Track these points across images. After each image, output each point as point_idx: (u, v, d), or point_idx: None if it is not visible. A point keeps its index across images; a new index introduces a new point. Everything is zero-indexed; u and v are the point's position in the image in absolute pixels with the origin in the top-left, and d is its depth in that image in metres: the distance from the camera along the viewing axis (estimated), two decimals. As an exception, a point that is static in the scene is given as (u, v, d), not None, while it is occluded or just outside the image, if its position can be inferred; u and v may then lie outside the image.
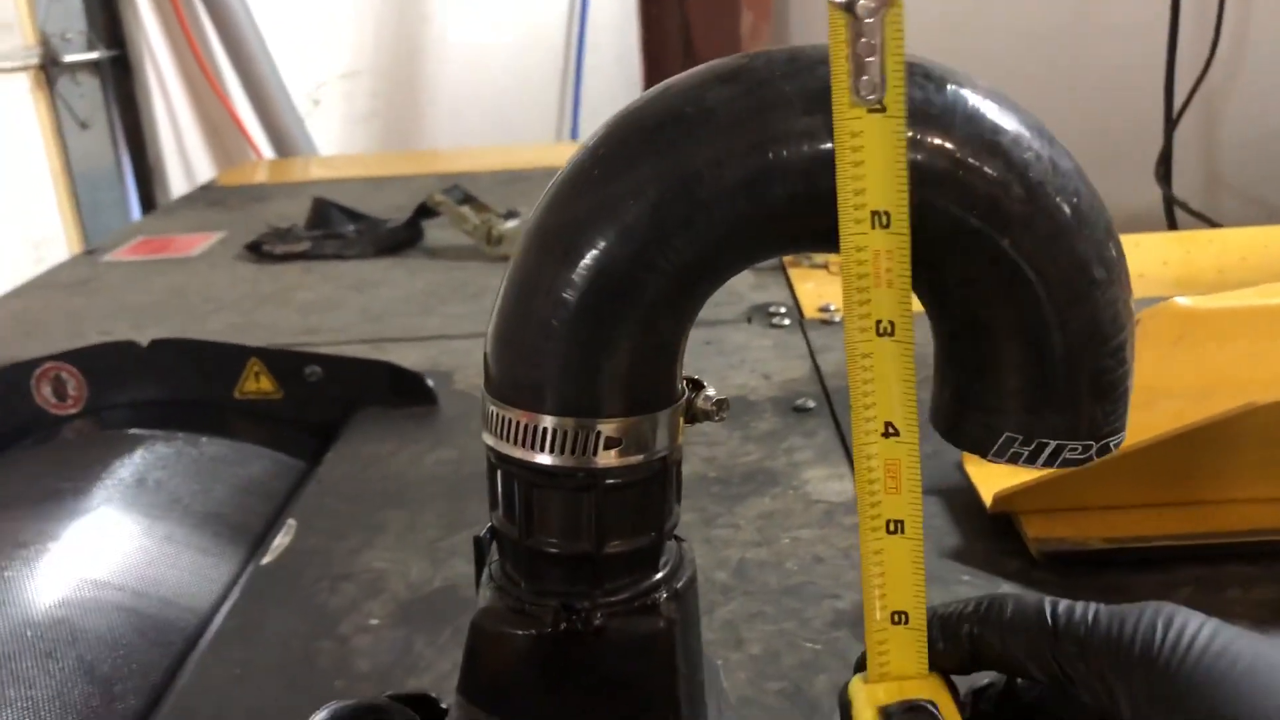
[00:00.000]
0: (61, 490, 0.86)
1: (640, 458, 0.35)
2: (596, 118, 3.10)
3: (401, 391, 1.00)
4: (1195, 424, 0.68)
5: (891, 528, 0.36)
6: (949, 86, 0.32)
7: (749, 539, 0.75)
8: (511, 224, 1.47)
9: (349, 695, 0.61)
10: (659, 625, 0.37)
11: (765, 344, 1.11)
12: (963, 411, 0.38)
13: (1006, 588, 0.68)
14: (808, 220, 0.33)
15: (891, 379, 0.34)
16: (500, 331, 0.35)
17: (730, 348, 1.10)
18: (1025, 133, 0.33)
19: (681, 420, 0.37)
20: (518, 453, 0.35)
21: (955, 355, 0.37)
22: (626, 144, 0.33)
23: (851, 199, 0.31)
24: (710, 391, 0.38)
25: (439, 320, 1.25)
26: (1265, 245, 1.34)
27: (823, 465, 0.85)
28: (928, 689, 0.37)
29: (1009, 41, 3.42)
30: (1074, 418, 0.36)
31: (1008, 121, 0.33)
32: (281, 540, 0.79)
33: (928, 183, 0.32)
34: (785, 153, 0.31)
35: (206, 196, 2.04)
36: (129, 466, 0.90)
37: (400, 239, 1.55)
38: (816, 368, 1.05)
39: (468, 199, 1.53)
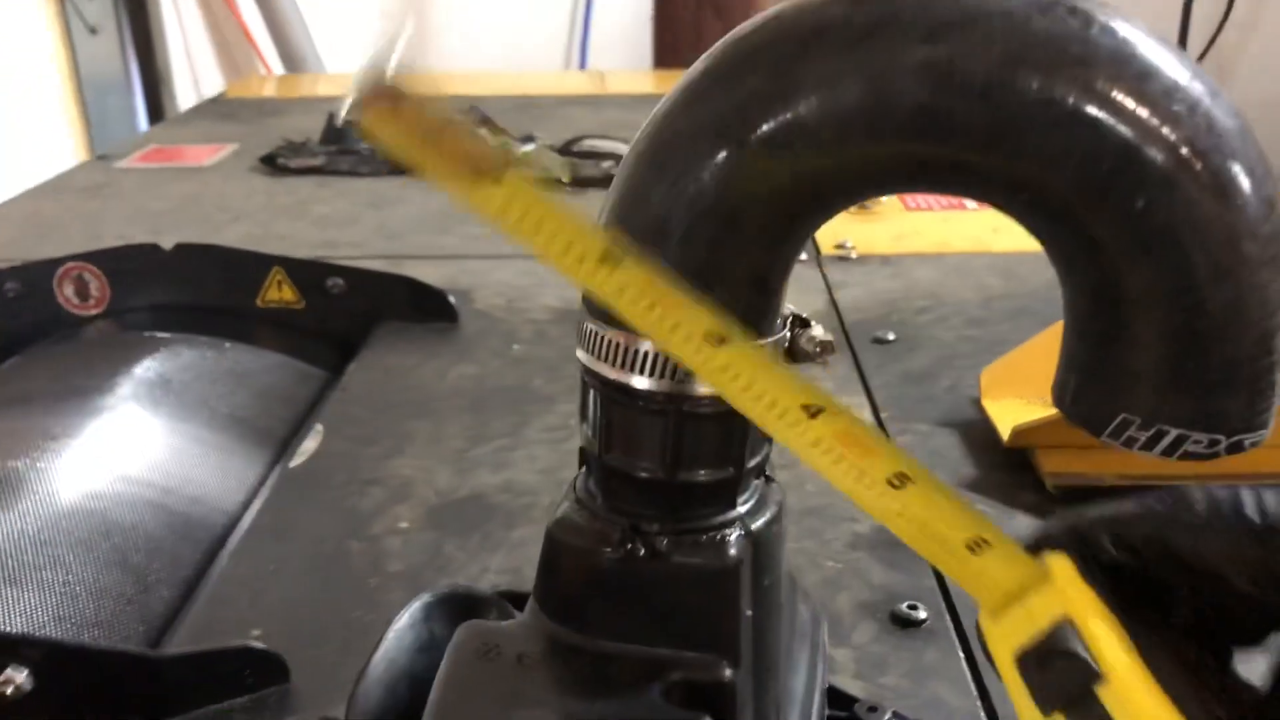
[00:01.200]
0: (86, 388, 0.87)
1: None
2: (605, 47, 3.07)
3: (423, 307, 1.01)
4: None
5: (896, 483, 0.32)
6: (1098, 19, 0.30)
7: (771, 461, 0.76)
8: (527, 148, 1.47)
9: (390, 589, 0.63)
10: (726, 561, 0.36)
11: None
12: (1082, 385, 0.34)
13: (1020, 520, 0.70)
14: (918, 154, 0.31)
15: (760, 371, 0.31)
16: None
17: (748, 279, 1.11)
18: (1180, 83, 0.30)
19: (779, 354, 0.37)
20: (610, 372, 0.35)
21: (1081, 325, 0.34)
22: (735, 60, 0.33)
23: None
24: (815, 331, 0.37)
25: (456, 240, 1.25)
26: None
27: (841, 395, 0.86)
28: (1057, 597, 0.30)
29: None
30: (1204, 407, 0.32)
31: (1162, 67, 0.30)
32: (309, 445, 0.80)
33: (1058, 123, 0.30)
34: (897, 82, 0.30)
35: (217, 109, 2.03)
36: (152, 368, 0.91)
37: (416, 158, 1.55)
38: (833, 302, 1.06)
39: (485, 120, 1.52)
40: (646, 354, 0.34)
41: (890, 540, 0.68)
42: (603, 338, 0.35)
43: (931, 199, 1.39)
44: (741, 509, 0.38)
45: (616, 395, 0.35)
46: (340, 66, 2.75)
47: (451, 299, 1.01)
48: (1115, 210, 0.30)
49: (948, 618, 0.60)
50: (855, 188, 0.33)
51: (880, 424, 0.82)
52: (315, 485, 0.75)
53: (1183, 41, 3.20)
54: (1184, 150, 0.30)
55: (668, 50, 3.55)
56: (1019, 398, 0.82)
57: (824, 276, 1.13)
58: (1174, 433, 0.33)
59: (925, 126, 0.30)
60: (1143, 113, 0.30)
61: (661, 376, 0.34)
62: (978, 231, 1.27)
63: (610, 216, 0.35)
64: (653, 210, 0.33)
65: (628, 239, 0.34)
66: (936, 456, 0.77)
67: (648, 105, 0.36)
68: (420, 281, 1.01)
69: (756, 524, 0.37)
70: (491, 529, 0.69)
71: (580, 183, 1.44)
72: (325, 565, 0.66)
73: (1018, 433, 0.75)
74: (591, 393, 0.37)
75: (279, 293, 1.02)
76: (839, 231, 1.25)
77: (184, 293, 1.03)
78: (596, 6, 3.29)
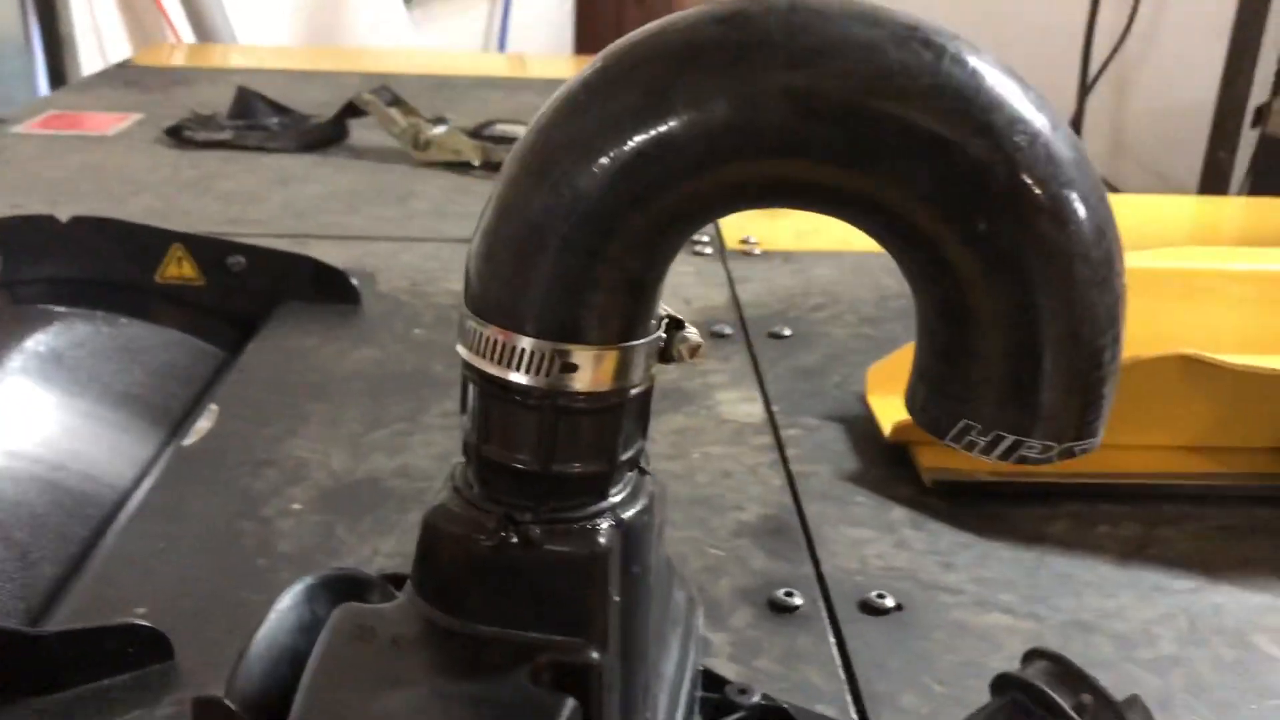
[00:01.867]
0: (-26, 361, 0.85)
1: (605, 387, 0.36)
2: (525, 30, 3.06)
3: (325, 288, 1.01)
4: (1083, 372, 0.73)
5: None
6: (950, 52, 0.32)
7: (662, 452, 0.78)
8: (440, 130, 1.47)
9: (279, 570, 0.63)
10: (595, 549, 0.38)
11: (687, 270, 1.14)
12: (930, 393, 0.37)
13: (898, 511, 0.73)
14: (782, 173, 0.33)
15: None
16: (482, 248, 0.36)
17: (651, 270, 1.13)
18: (1024, 115, 0.32)
19: (654, 356, 0.38)
20: (489, 368, 0.36)
21: (929, 338, 0.37)
22: (612, 75, 0.34)
23: None
24: (689, 333, 0.39)
25: (363, 220, 1.25)
26: (1161, 213, 1.41)
27: (736, 389, 0.89)
28: None
29: (939, -7, 3.46)
30: (1039, 417, 0.35)
31: (1008, 99, 0.32)
32: (203, 424, 0.80)
33: (909, 149, 0.32)
34: (762, 104, 0.32)
35: (122, 75, 1.98)
36: (44, 342, 0.89)
37: (325, 136, 1.54)
38: (735, 296, 1.08)
39: (396, 101, 1.52)
40: (524, 350, 0.36)
41: (773, 528, 0.70)
42: (482, 335, 0.36)
43: (835, 197, 1.42)
44: (614, 499, 0.39)
45: (495, 390, 0.37)
46: (253, 38, 2.71)
47: (354, 281, 1.01)
48: (960, 232, 0.33)
49: (822, 605, 0.63)
50: (723, 201, 0.35)
51: (771, 417, 0.84)
52: (208, 465, 0.75)
53: (1087, 53, 3.30)
54: (1024, 177, 0.32)
55: (589, 37, 3.55)
56: (902, 394, 0.85)
57: (727, 271, 1.15)
58: (1010, 439, 0.36)
59: (787, 147, 0.33)
60: (986, 142, 0.32)
61: (538, 373, 0.36)
62: (877, 231, 1.30)
63: (490, 222, 0.36)
64: (532, 218, 0.35)
65: (505, 244, 0.35)
66: (822, 450, 0.80)
67: (566, 90, 0.37)
68: (323, 262, 1.01)
69: (628, 514, 0.39)
70: (385, 513, 0.70)
71: (491, 167, 1.45)
72: (215, 545, 0.66)
73: (898, 429, 0.78)
74: (471, 387, 0.38)
75: (179, 269, 1.01)
76: (744, 227, 1.27)
77: (80, 266, 1.01)
78: (517, -12, 3.28)
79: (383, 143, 1.51)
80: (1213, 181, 3.03)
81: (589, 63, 0.35)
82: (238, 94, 1.61)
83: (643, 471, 0.42)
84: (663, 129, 0.33)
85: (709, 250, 1.20)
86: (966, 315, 0.34)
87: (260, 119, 1.58)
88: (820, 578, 0.65)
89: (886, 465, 0.78)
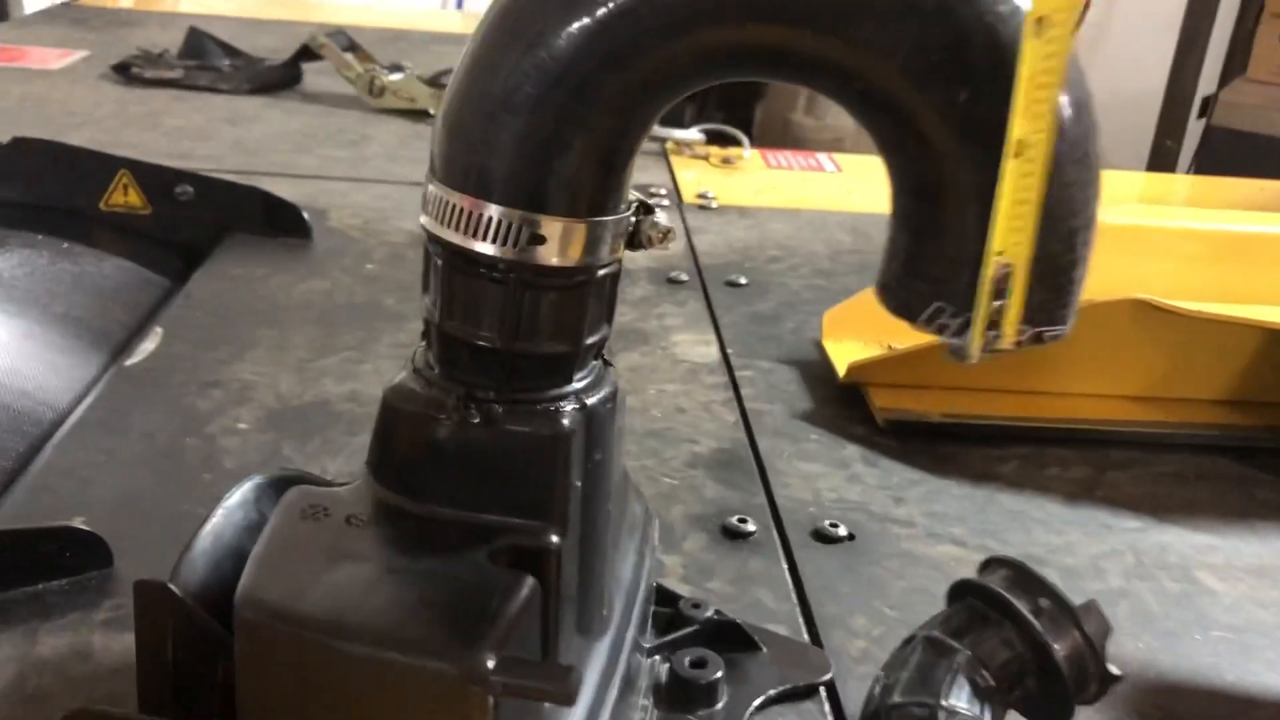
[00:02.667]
0: (-93, 279, 0.83)
1: (572, 262, 0.35)
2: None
3: (275, 221, 0.99)
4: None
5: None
6: None
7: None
8: (396, 76, 1.45)
9: (224, 485, 0.62)
10: (558, 430, 0.37)
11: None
12: (902, 275, 0.37)
13: (851, 449, 0.73)
14: (759, 38, 0.32)
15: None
16: (451, 111, 0.35)
17: (608, 218, 1.12)
18: None
19: (622, 236, 0.37)
20: (454, 237, 0.35)
21: (904, 217, 0.36)
22: None
23: None
24: (658, 218, 0.38)
25: (315, 160, 1.23)
26: (1113, 187, 1.42)
27: (691, 331, 0.88)
28: None
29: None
30: None
31: None
32: (147, 345, 0.78)
33: (889, 13, 0.31)
34: None
35: (67, 14, 1.93)
36: (-19, 263, 0.87)
37: (278, 78, 1.51)
38: (691, 246, 1.08)
39: (352, 46, 1.49)
40: (491, 219, 0.35)
41: (725, 460, 0.70)
42: (447, 202, 0.35)
43: (793, 158, 1.42)
44: (578, 384, 0.38)
45: (459, 262, 0.36)
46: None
47: (305, 215, 0.99)
48: (939, 101, 0.32)
49: (774, 532, 0.63)
50: (698, 68, 0.34)
51: (726, 359, 0.84)
52: (152, 384, 0.73)
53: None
54: (1006, 47, 0.32)
55: None
56: (857, 339, 0.85)
57: (684, 221, 1.15)
58: None
59: (765, 9, 0.32)
60: (969, 10, 0.32)
61: (505, 243, 0.35)
62: (834, 192, 1.30)
63: (460, 84, 0.35)
64: (503, 78, 0.34)
65: (475, 106, 0.34)
66: (776, 390, 0.80)
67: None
68: (273, 195, 0.99)
69: (591, 399, 0.38)
70: (333, 435, 0.69)
71: (447, 116, 1.42)
72: (157, 460, 0.65)
73: (853, 369, 0.78)
74: (434, 260, 0.37)
75: (124, 197, 0.99)
76: (701, 181, 1.27)
77: (21, 190, 0.98)
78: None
79: (337, 89, 1.49)
80: (1160, 168, 3.08)
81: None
82: (189, 34, 1.57)
83: (607, 363, 0.41)
84: (643, -14, 0.32)
85: (666, 202, 1.19)
86: (941, 189, 0.34)
87: (211, 60, 1.54)
88: (773, 507, 0.65)
89: (840, 406, 0.78)
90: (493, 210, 0.35)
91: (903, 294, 0.36)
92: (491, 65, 0.34)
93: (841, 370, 0.80)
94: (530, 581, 0.35)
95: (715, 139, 1.40)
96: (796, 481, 0.68)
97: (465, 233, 0.35)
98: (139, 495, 0.61)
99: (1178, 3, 3.07)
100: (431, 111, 1.42)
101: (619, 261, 0.38)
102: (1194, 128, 3.09)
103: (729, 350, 0.86)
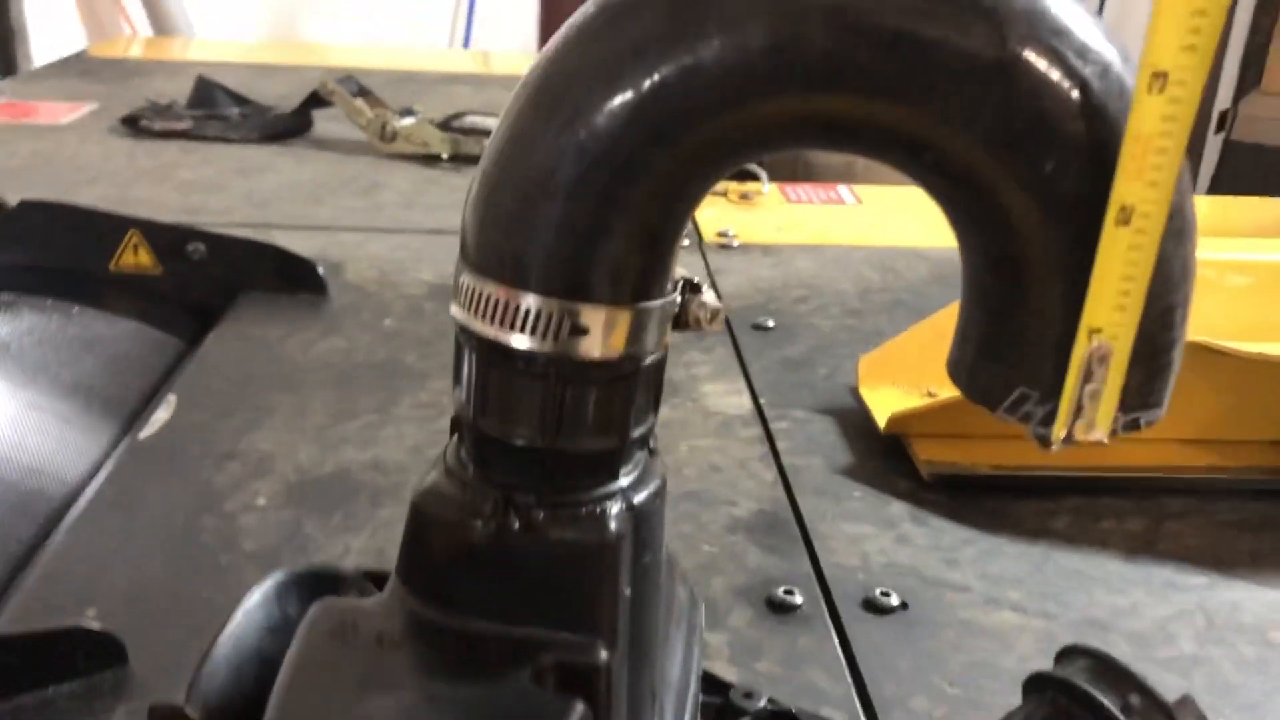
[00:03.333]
0: (-86, 350, 0.80)
1: (617, 353, 0.33)
2: (490, 28, 3.01)
3: (290, 277, 0.97)
4: (1088, 360, 0.70)
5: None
6: None
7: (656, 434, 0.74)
8: (408, 121, 1.43)
9: (243, 569, 0.59)
10: (605, 536, 0.34)
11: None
12: (979, 359, 0.33)
13: (897, 506, 0.69)
14: (822, 106, 0.30)
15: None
16: (483, 193, 0.32)
17: (629, 262, 1.09)
18: (1092, 44, 0.29)
19: (669, 320, 0.34)
20: (487, 330, 0.32)
21: (981, 295, 0.33)
22: None
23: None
24: (707, 298, 0.36)
25: (329, 211, 1.21)
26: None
27: (721, 380, 0.85)
28: None
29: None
30: None
31: (1073, 26, 0.29)
32: (161, 415, 0.75)
33: (967, 78, 0.28)
34: (804, 28, 0.28)
35: (77, 66, 1.92)
36: (-9, 331, 0.84)
37: (288, 126, 1.49)
38: (714, 288, 1.04)
39: (362, 91, 1.47)
40: (529, 310, 0.32)
41: (767, 524, 0.67)
42: (480, 292, 0.32)
43: (812, 192, 1.39)
44: (624, 481, 0.35)
45: (494, 356, 0.33)
46: (213, 32, 2.65)
47: (320, 270, 0.97)
48: (1022, 173, 0.29)
49: (823, 603, 0.59)
50: (755, 140, 0.31)
51: (759, 409, 0.81)
52: (166, 458, 0.70)
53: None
54: (1096, 116, 0.29)
55: (553, 33, 3.51)
56: (895, 386, 0.82)
57: (706, 263, 1.12)
58: None
59: (830, 76, 0.29)
60: (1055, 73, 0.29)
61: (544, 336, 0.32)
62: (857, 225, 1.27)
63: (492, 164, 0.32)
64: (538, 159, 0.31)
65: (509, 189, 0.31)
66: (813, 443, 0.76)
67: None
68: (287, 250, 0.97)
69: (639, 497, 0.35)
70: (356, 508, 0.66)
71: (461, 159, 1.40)
72: (174, 542, 0.62)
73: (894, 420, 0.75)
74: (466, 352, 0.34)
75: (135, 257, 0.96)
76: (721, 219, 1.24)
77: (30, 253, 0.96)
78: (482, -15, 3.24)
79: (348, 135, 1.47)
80: (1178, 186, 3.04)
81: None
82: (197, 83, 1.56)
83: (652, 452, 0.38)
84: (691, 56, 0.29)
85: (686, 242, 1.16)
86: (1025, 267, 0.30)
87: (220, 109, 1.52)
88: (820, 575, 0.62)
89: (881, 458, 0.75)
90: (530, 300, 0.32)
91: (982, 379, 0.33)
92: (526, 144, 0.31)
93: (882, 421, 0.76)
94: (580, 709, 0.32)
95: (733, 174, 1.37)
96: (843, 545, 0.65)
97: (500, 324, 0.32)
98: (154, 582, 0.58)
99: (1190, 17, 3.04)
100: (444, 156, 1.40)
101: (666, 347, 0.35)
102: (1213, 141, 3.06)
103: (761, 400, 0.83)
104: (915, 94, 0.29)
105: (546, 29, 3.40)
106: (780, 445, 0.76)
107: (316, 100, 1.47)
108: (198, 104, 1.53)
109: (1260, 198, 1.43)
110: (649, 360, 0.34)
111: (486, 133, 1.45)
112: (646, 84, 0.29)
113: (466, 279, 0.33)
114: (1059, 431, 0.31)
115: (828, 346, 0.93)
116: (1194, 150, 3.03)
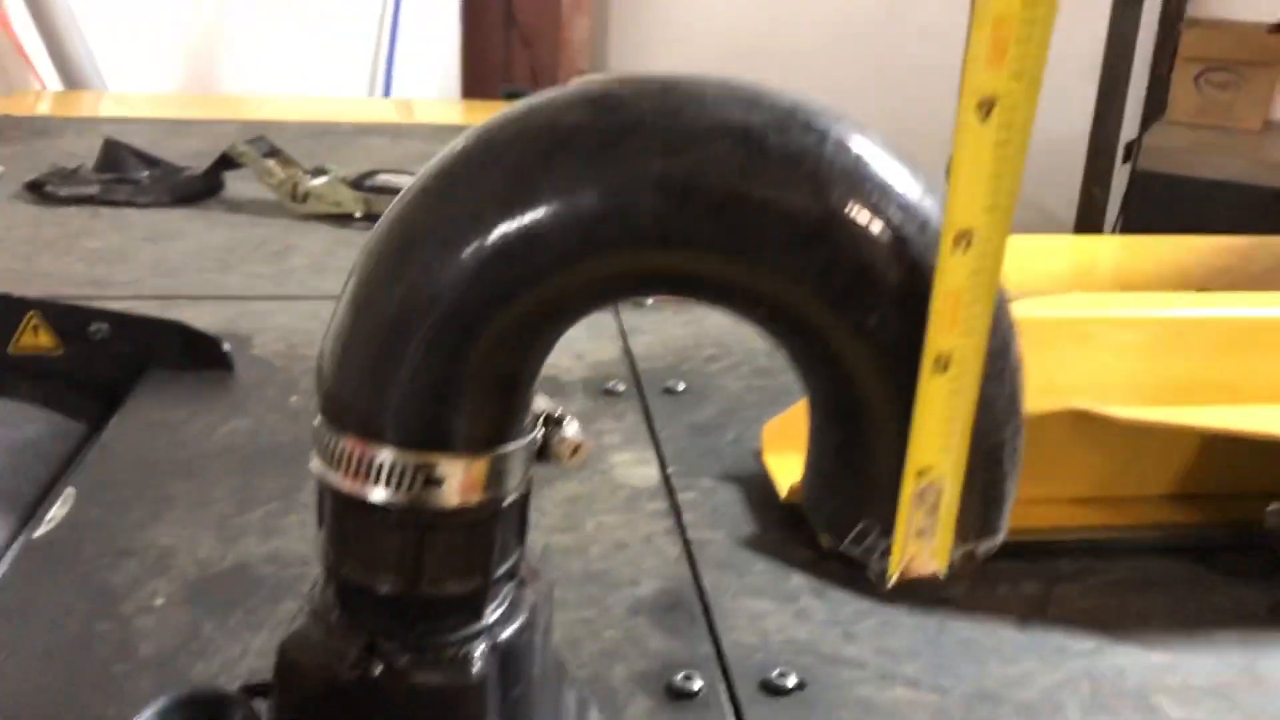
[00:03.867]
0: None
1: (476, 500, 0.33)
2: (410, 75, 3.00)
3: (195, 355, 0.96)
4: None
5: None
6: (833, 136, 0.30)
7: (554, 524, 0.75)
8: (319, 181, 1.42)
9: (138, 677, 0.58)
10: (468, 679, 0.34)
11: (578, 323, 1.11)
12: (824, 492, 0.35)
13: (797, 579, 0.70)
14: (657, 264, 0.31)
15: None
16: (335, 348, 0.33)
17: (541, 326, 1.10)
18: (912, 200, 0.30)
19: (530, 459, 0.35)
20: (344, 483, 0.33)
21: (824, 433, 0.34)
22: (475, 160, 0.31)
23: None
24: (569, 433, 0.37)
25: (238, 279, 1.20)
26: (1042, 255, 1.43)
27: (630, 449, 0.86)
28: None
29: (820, 36, 3.52)
30: None
31: (894, 185, 0.30)
32: (58, 511, 0.74)
33: (792, 239, 0.30)
34: (636, 193, 0.29)
35: (-19, 126, 1.89)
36: (-118, 423, 0.83)
37: (199, 189, 1.48)
38: (627, 350, 1.06)
39: (273, 152, 1.46)
40: (383, 464, 0.32)
41: (669, 604, 0.67)
42: (337, 444, 0.33)
43: (726, 243, 1.41)
44: (490, 619, 0.36)
45: (351, 507, 0.33)
46: (124, 85, 2.61)
47: (227, 347, 0.96)
48: (850, 323, 0.30)
49: (722, 686, 0.60)
50: (597, 295, 0.32)
51: (667, 480, 0.82)
52: (62, 558, 0.69)
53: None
54: (916, 269, 0.30)
55: (476, 80, 3.52)
56: (798, 451, 0.83)
57: (619, 323, 1.13)
58: None
59: (663, 238, 0.30)
60: (875, 230, 0.30)
61: (399, 488, 0.32)
62: (769, 278, 1.29)
63: (344, 320, 0.33)
64: (389, 316, 0.32)
65: (360, 345, 0.32)
66: (718, 514, 0.77)
67: (451, 136, 0.34)
68: (192, 328, 0.96)
69: (505, 634, 0.36)
70: (255, 604, 0.65)
71: (373, 218, 1.40)
72: (67, 650, 0.61)
73: (795, 490, 0.76)
74: (326, 500, 0.34)
75: (34, 338, 0.95)
76: (634, 276, 1.25)
77: (-77, 338, 0.94)
78: (402, 32, 3.23)
79: (260, 195, 1.46)
80: (1089, 215, 3.12)
81: (450, 145, 0.33)
82: (105, 146, 1.54)
83: (522, 582, 0.38)
84: (528, 219, 0.30)
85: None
86: (860, 410, 0.32)
87: (129, 172, 1.51)
88: (720, 656, 0.63)
89: (783, 528, 0.76)
90: (385, 454, 0.32)
91: (828, 510, 0.35)
92: (374, 300, 0.32)
93: (783, 489, 0.78)
94: None
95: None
96: (743, 623, 0.66)
97: (355, 478, 0.33)
98: (45, 694, 0.57)
99: (1096, 47, 3.13)
100: (357, 215, 1.40)
101: (529, 482, 0.36)
102: (1120, 171, 3.14)
103: (670, 469, 0.84)
104: (744, 251, 0.30)
105: (468, 77, 3.41)
106: (686, 518, 0.77)
107: (227, 162, 1.47)
108: (106, 167, 1.52)
109: (1166, 236, 1.48)
110: (509, 500, 0.35)
111: (398, 191, 1.45)
112: (487, 246, 0.30)
113: (323, 430, 0.33)
114: (894, 568, 0.32)
115: (737, 409, 0.94)
116: (1101, 181, 3.12)
